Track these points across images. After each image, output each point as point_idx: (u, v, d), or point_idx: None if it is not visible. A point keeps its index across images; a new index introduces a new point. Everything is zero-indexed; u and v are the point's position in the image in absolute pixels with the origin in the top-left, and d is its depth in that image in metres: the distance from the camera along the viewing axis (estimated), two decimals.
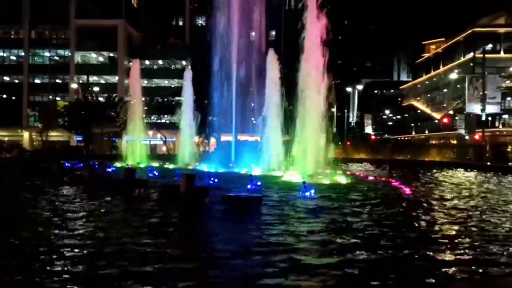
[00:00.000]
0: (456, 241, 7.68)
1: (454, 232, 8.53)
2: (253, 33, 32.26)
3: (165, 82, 70.86)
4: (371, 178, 21.70)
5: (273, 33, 69.17)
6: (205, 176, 18.92)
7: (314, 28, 21.10)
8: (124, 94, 53.59)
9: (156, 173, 22.23)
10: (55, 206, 11.30)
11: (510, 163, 30.63)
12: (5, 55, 71.16)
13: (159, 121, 64.01)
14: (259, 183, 16.34)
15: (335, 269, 5.86)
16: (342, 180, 18.92)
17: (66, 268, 5.83)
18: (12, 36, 70.72)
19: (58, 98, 66.68)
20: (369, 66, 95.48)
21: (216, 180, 17.81)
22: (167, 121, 63.04)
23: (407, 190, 15.35)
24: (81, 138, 55.48)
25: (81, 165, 25.02)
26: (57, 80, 69.99)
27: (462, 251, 6.94)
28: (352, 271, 5.82)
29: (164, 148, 56.93)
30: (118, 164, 29.63)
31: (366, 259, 6.47)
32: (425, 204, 12.39)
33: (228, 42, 30.07)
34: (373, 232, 8.42)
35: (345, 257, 6.52)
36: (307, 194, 13.65)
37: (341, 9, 79.62)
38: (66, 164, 25.56)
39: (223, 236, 8.15)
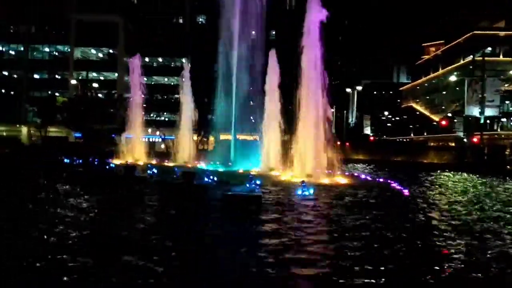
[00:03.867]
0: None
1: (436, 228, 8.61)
2: (253, 32, 32.21)
3: (164, 80, 70.78)
4: (369, 178, 21.75)
5: (273, 32, 69.10)
6: (204, 174, 18.92)
7: (313, 28, 21.11)
8: (124, 91, 53.53)
9: (155, 171, 22.21)
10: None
11: (508, 167, 30.73)
12: (4, 49, 70.94)
13: (158, 118, 63.97)
14: (258, 182, 16.35)
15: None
16: (341, 180, 18.97)
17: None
18: (11, 31, 70.51)
19: (57, 94, 66.50)
20: (369, 67, 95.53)
21: (215, 179, 17.81)
22: (166, 119, 63.00)
23: (405, 191, 15.40)
24: (79, 135, 55.37)
25: (80, 161, 24.97)
26: (56, 76, 69.82)
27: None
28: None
29: (162, 146, 56.88)
30: (117, 161, 29.58)
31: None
32: (421, 205, 12.44)
33: (228, 41, 30.07)
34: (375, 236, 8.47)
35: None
36: (306, 193, 13.69)
37: (342, 9, 79.63)
38: (65, 160, 25.52)
39: (219, 234, 8.17)
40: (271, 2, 31.57)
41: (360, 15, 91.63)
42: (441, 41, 73.52)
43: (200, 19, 79.21)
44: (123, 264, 5.97)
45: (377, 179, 21.33)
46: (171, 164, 29.69)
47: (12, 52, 70.92)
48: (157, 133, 54.55)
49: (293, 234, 8.02)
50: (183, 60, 65.44)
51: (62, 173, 18.88)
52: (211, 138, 43.79)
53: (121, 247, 6.90)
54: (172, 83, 66.91)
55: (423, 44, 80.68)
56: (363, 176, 23.05)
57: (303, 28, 21.55)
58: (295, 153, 21.30)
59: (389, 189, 16.78)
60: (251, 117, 32.08)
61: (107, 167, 23.56)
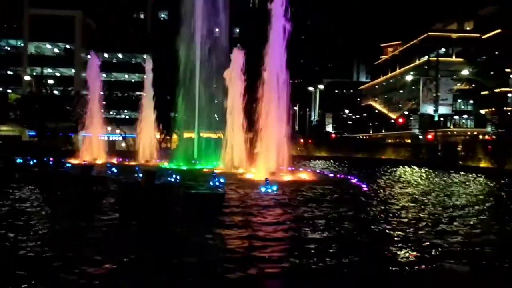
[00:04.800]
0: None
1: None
2: (216, 29, 32.01)
3: (125, 76, 68.96)
4: (331, 175, 22.28)
5: (237, 30, 69.08)
6: (166, 173, 18.62)
7: (277, 27, 21.30)
8: (81, 87, 51.62)
9: (115, 170, 21.60)
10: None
11: (460, 162, 32.40)
12: None
13: (118, 116, 62.25)
14: (221, 180, 16.30)
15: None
16: (304, 177, 19.28)
17: None
18: None
19: (9, 91, 63.11)
20: (331, 66, 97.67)
21: (177, 178, 17.56)
22: (127, 116, 61.43)
23: (364, 186, 15.91)
24: (34, 133, 52.90)
25: (34, 161, 23.85)
26: (9, 72, 66.27)
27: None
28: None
29: (123, 144, 55.42)
30: (74, 161, 28.48)
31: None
32: (379, 200, 12.90)
33: (191, 37, 29.70)
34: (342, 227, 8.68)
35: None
36: (269, 190, 13.81)
37: (304, 9, 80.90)
38: (18, 160, 24.27)
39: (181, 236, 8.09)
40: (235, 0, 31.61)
41: (321, 15, 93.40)
42: (398, 42, 76.42)
43: (162, 15, 77.78)
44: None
45: (338, 176, 21.87)
46: (132, 163, 28.99)
47: None
48: (117, 131, 53.05)
49: (254, 230, 8.09)
50: (144, 57, 64.03)
51: (14, 173, 17.96)
52: (174, 136, 43.09)
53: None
54: (133, 80, 65.39)
55: (382, 45, 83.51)
56: (325, 173, 23.57)
57: (266, 26, 21.68)
58: (258, 150, 21.41)
59: (348, 185, 17.26)
60: (215, 115, 31.90)
61: (63, 167, 22.63)
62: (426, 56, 59.26)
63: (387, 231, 8.50)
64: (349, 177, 20.20)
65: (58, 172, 19.21)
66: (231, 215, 9.80)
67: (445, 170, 27.17)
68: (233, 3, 30.70)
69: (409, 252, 6.93)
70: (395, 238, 7.85)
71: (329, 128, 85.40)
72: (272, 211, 10.36)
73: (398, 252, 6.91)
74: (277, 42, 21.25)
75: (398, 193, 14.87)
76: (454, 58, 59.62)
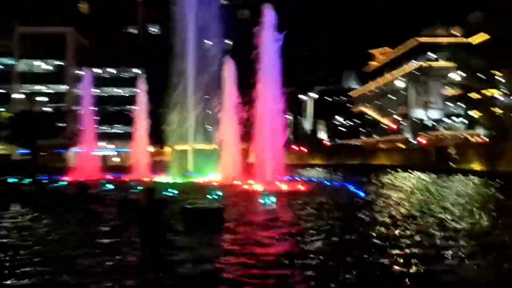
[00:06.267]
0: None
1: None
2: (208, 42, 32.18)
3: (117, 91, 68.78)
4: (327, 183, 22.26)
5: (229, 42, 69.29)
6: (162, 188, 18.46)
7: (268, 38, 21.50)
8: (73, 103, 51.39)
9: (111, 187, 21.39)
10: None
11: (453, 165, 32.65)
12: None
13: (110, 131, 61.91)
14: (219, 193, 16.19)
15: None
16: (300, 186, 19.26)
17: None
18: None
19: (1, 109, 62.58)
20: (322, 74, 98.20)
21: (174, 192, 17.43)
22: (121, 131, 61.15)
23: (362, 194, 15.93)
24: (24, 151, 52.30)
25: (28, 180, 23.57)
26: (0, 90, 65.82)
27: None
28: None
29: (117, 160, 55.07)
30: (67, 178, 28.14)
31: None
32: (380, 207, 12.92)
33: (183, 51, 29.84)
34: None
35: None
36: (268, 202, 13.77)
37: (293, 19, 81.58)
38: (10, 179, 23.93)
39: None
40: (225, 13, 31.88)
41: (310, 24, 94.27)
42: (386, 47, 77.20)
43: (153, 29, 78.07)
44: None
45: (334, 183, 21.85)
46: (127, 179, 28.73)
47: None
48: (110, 146, 52.72)
49: (255, 246, 8.05)
50: (137, 71, 64.03)
51: (8, 193, 17.67)
52: (168, 149, 42.99)
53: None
54: (126, 94, 65.21)
55: (369, 50, 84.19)
56: (320, 181, 23.55)
57: (258, 38, 21.85)
58: (254, 161, 21.40)
59: (346, 193, 17.26)
60: (208, 126, 31.87)
61: (57, 185, 22.39)
62: (416, 62, 59.84)
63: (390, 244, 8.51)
64: (345, 185, 20.17)
65: (53, 191, 18.95)
66: (231, 229, 9.74)
67: (438, 174, 27.35)
68: (224, 16, 30.96)
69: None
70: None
71: (322, 135, 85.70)
72: (272, 224, 10.32)
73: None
74: (269, 53, 21.44)
75: (398, 200, 14.92)
76: (443, 63, 60.28)
